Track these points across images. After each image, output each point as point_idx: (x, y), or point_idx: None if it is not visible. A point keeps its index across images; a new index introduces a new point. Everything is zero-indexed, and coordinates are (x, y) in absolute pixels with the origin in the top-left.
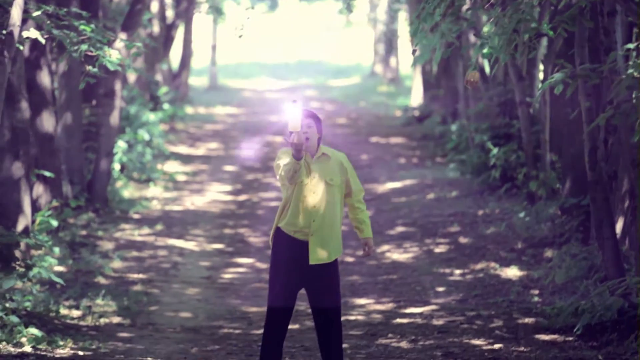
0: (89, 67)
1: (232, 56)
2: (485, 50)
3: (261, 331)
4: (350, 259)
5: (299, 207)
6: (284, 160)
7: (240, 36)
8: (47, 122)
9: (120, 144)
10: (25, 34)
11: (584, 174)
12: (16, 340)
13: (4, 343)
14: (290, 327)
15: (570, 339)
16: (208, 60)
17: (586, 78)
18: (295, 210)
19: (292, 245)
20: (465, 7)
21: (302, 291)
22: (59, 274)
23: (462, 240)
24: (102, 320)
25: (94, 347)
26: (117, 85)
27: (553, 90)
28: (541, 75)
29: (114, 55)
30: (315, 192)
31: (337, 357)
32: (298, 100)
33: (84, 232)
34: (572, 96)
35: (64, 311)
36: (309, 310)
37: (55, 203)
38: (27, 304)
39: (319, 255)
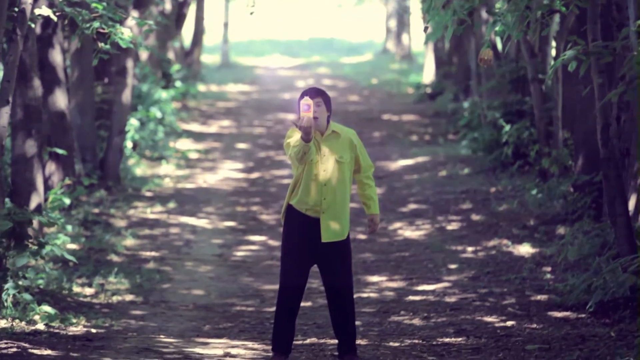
0: (101, 44)
1: (244, 33)
2: (497, 28)
3: (274, 309)
4: (362, 236)
5: (309, 185)
6: (293, 140)
7: (251, 13)
8: (60, 100)
9: (133, 122)
10: (37, 11)
11: (596, 151)
12: (29, 318)
13: (17, 320)
14: (302, 304)
15: (583, 316)
16: (220, 37)
17: (599, 55)
18: (306, 188)
19: (303, 223)
20: None
21: (315, 268)
22: (72, 252)
23: (474, 217)
24: (115, 298)
25: (106, 324)
26: (129, 63)
27: (566, 67)
28: (554, 52)
29: (126, 33)
30: (325, 169)
31: (349, 335)
32: (308, 96)
33: (96, 210)
34: (584, 73)
35: (76, 289)
36: (322, 288)
37: (67, 181)
38: (40, 281)
39: (331, 232)
